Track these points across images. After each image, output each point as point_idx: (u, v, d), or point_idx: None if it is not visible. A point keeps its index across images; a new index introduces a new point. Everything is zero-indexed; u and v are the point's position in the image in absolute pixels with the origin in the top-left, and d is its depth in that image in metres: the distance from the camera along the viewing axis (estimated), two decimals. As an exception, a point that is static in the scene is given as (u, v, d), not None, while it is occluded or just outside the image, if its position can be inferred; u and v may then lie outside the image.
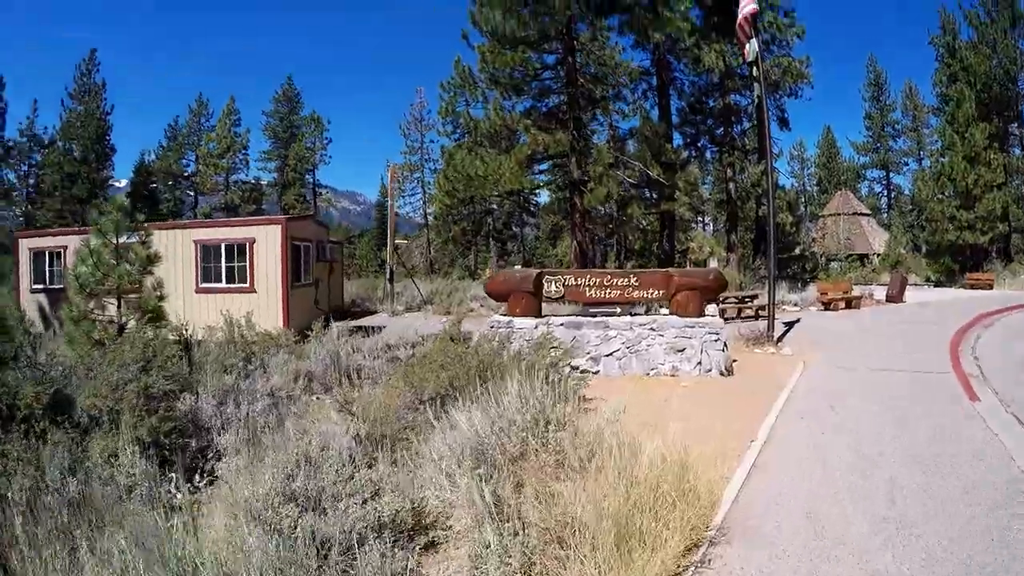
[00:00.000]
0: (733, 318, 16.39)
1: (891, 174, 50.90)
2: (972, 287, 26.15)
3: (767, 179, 12.00)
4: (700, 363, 8.79)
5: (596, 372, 9.02)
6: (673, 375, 8.78)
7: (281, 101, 42.29)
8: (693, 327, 8.96)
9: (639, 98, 22.40)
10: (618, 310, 9.55)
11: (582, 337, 9.16)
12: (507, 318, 9.59)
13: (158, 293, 9.68)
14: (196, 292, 14.31)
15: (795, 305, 19.06)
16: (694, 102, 23.97)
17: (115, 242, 9.62)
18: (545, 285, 9.64)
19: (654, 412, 6.79)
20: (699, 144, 25.09)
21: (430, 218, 38.75)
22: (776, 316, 16.78)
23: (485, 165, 19.98)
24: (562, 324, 9.27)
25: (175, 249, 14.42)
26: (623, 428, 4.59)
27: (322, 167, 44.20)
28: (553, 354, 6.75)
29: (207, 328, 11.08)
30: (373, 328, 14.44)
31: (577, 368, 9.05)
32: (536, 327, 9.32)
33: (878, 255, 36.36)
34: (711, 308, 12.60)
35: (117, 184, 37.96)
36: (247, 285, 14.06)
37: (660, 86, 22.81)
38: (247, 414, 6.64)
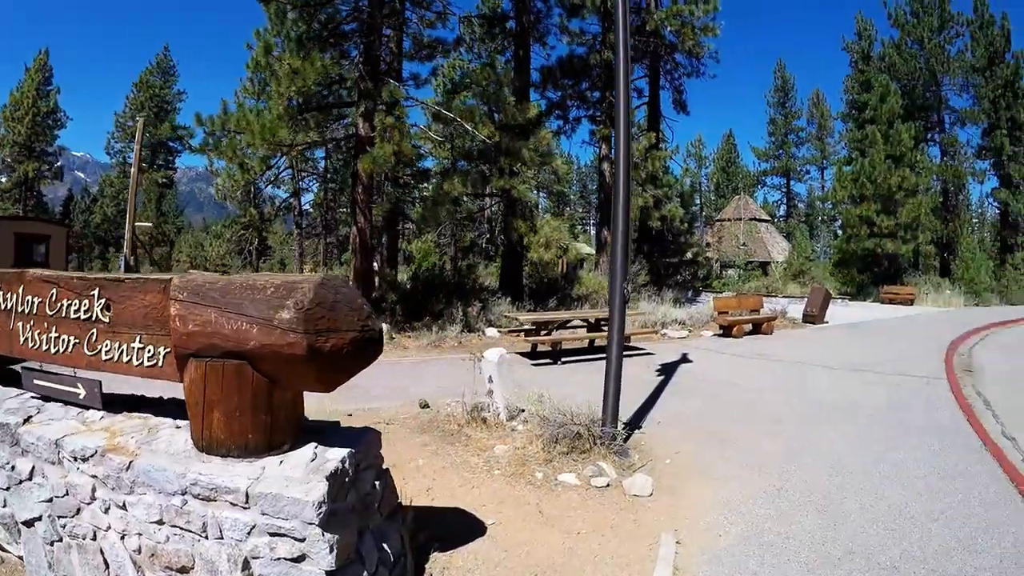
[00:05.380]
0: (572, 356, 9.61)
1: (792, 181, 51.16)
2: (891, 302, 22.20)
3: (617, 132, 6.41)
4: None
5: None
6: None
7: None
8: (214, 499, 2.31)
9: (487, 45, 16.55)
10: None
11: None
12: None
13: None
14: None
15: (681, 325, 13.50)
16: (564, 59, 18.08)
17: None
18: None
19: None
20: (569, 116, 19.14)
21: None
22: (647, 350, 10.84)
23: (256, 116, 13.42)
24: None
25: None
26: None
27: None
28: None
29: None
30: None
31: None
32: None
33: (778, 263, 33.53)
34: (491, 353, 5.72)
35: None
36: None
37: (519, 32, 16.85)
38: None
